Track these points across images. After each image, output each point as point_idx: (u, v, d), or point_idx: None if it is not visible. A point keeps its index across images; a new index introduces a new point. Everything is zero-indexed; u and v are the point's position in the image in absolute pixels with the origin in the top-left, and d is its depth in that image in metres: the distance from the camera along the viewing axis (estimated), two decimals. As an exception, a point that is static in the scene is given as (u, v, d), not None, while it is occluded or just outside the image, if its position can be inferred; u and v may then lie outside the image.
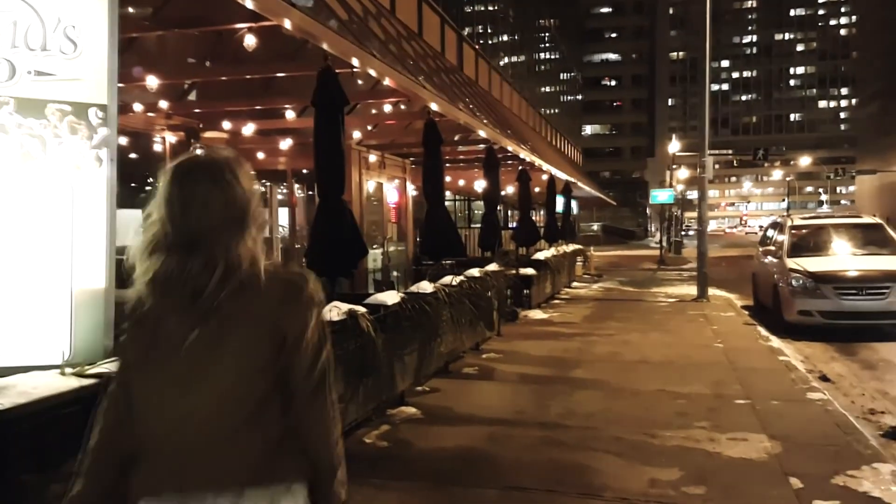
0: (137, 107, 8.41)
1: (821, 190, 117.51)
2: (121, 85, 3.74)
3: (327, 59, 5.63)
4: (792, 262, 11.43)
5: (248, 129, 9.92)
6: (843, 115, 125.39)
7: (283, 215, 12.86)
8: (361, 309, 5.25)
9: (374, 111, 10.71)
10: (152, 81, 7.44)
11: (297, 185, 12.40)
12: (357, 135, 11.07)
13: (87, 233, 3.38)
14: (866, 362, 9.05)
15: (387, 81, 7.19)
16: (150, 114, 8.90)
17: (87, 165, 3.38)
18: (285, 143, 10.72)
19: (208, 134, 10.68)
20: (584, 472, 4.73)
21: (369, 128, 11.52)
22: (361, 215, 11.38)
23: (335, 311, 4.97)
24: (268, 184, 12.68)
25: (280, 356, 1.63)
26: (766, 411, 6.16)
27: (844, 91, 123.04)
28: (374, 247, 12.40)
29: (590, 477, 4.55)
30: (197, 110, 9.73)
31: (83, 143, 3.37)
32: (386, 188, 13.42)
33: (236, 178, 1.79)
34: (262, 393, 1.61)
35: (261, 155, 11.48)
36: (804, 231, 12.74)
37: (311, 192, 12.09)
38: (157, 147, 10.45)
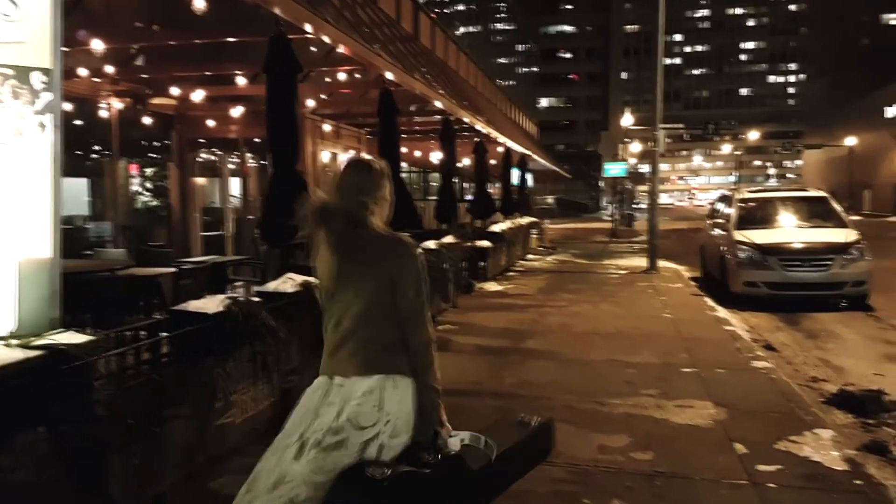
0: (83, 72, 8.13)
1: (769, 164, 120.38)
2: (65, 49, 3.60)
3: (279, 25, 5.50)
4: (739, 235, 11.70)
5: (198, 95, 9.68)
6: (791, 90, 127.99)
7: (235, 185, 12.62)
8: (316, 280, 5.20)
9: (328, 79, 10.53)
10: (98, 45, 7.19)
11: (249, 155, 12.17)
12: (311, 103, 10.90)
13: (30, 202, 3.27)
14: (809, 332, 9.36)
15: (341, 49, 7.07)
16: (95, 79, 8.62)
17: (30, 132, 3.25)
18: (236, 111, 10.50)
19: (156, 100, 10.40)
20: (536, 440, 4.80)
21: (323, 96, 11.34)
22: (316, 186, 11.23)
23: (289, 282, 4.92)
24: (218, 152, 12.43)
25: (393, 290, 2.44)
26: (712, 379, 6.35)
27: (793, 66, 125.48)
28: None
29: (543, 445, 4.63)
30: (144, 76, 9.45)
31: (25, 109, 3.24)
32: (341, 159, 13.28)
33: (369, 173, 2.63)
34: (384, 312, 2.44)
35: (211, 123, 11.24)
36: (751, 204, 13.03)
37: (263, 162, 11.89)
38: (104, 113, 10.15)
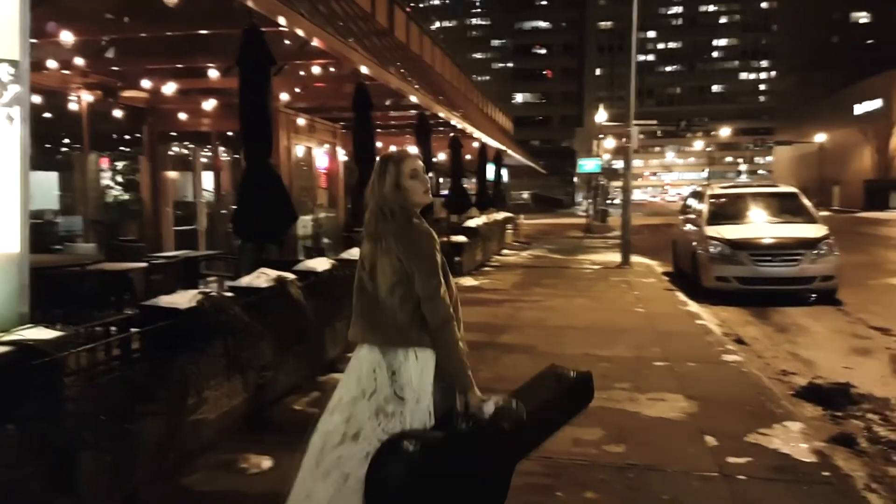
0: (52, 64, 7.99)
1: (740, 160, 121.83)
2: (34, 40, 3.54)
3: (253, 18, 5.46)
4: (710, 230, 11.83)
5: (170, 88, 9.56)
6: (762, 87, 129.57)
7: (208, 179, 12.50)
8: (291, 276, 5.18)
9: (302, 73, 10.46)
10: (67, 37, 7.08)
11: (222, 148, 12.05)
12: (285, 97, 10.81)
13: (-3, 195, 3.22)
14: (779, 326, 9.51)
15: (315, 42, 7.03)
16: (65, 71, 8.48)
17: (-4, 124, 3.20)
18: (209, 104, 10.38)
19: (127, 93, 10.26)
20: (511, 434, 4.83)
21: (297, 90, 11.25)
22: (290, 180, 11.17)
23: (263, 277, 4.89)
24: (191, 146, 12.30)
25: (409, 274, 2.70)
26: (684, 373, 6.42)
27: (765, 63, 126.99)
28: (305, 214, 12.23)
29: (517, 439, 4.66)
30: (115, 68, 9.31)
31: (-8, 101, 3.18)
32: (316, 153, 13.20)
33: (388, 169, 2.84)
34: (401, 291, 2.72)
35: (183, 116, 11.10)
36: (723, 200, 13.19)
37: (237, 156, 11.78)
38: (73, 106, 9.99)
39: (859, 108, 60.59)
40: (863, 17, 78.95)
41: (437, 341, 2.71)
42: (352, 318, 2.91)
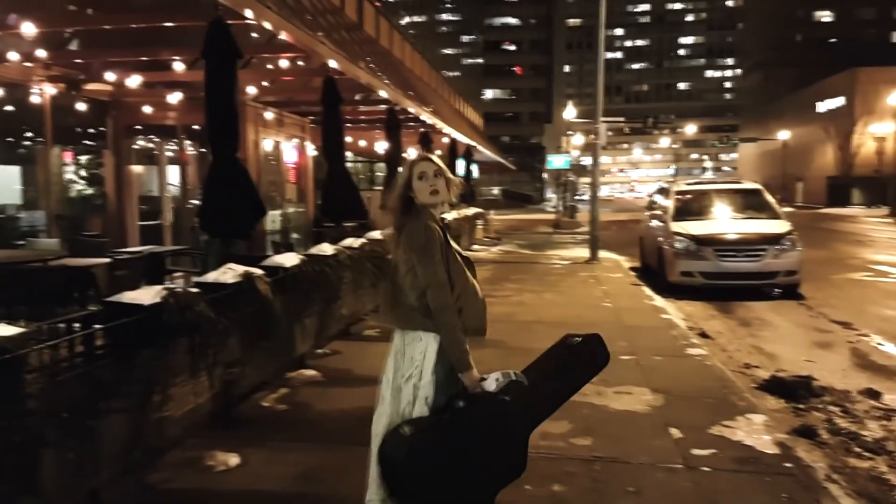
0: (13, 56, 7.82)
1: (706, 157, 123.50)
2: (-9, 30, 3.46)
3: (218, 10, 5.39)
4: (676, 226, 11.99)
5: (134, 81, 9.42)
6: (728, 84, 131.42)
7: (174, 173, 12.33)
8: (258, 271, 5.13)
9: (270, 66, 10.38)
10: (29, 29, 6.93)
11: (188, 142, 11.90)
12: (252, 90, 10.70)
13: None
14: (743, 320, 9.67)
15: (283, 36, 6.98)
16: (27, 64, 8.30)
17: (-47, 116, 3.12)
18: (174, 97, 10.24)
19: (91, 86, 10.08)
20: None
21: (265, 83, 11.16)
22: (258, 175, 11.07)
23: (230, 273, 4.84)
24: (156, 140, 12.12)
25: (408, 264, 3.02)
26: (650, 366, 6.51)
27: (730, 61, 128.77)
28: (274, 209, 12.12)
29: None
30: (78, 61, 9.15)
31: (-52, 92, 3.11)
32: (284, 147, 13.10)
33: (404, 170, 3.18)
34: (410, 279, 3.02)
35: (148, 109, 10.94)
36: (688, 196, 13.37)
37: (203, 150, 11.64)
38: (36, 99, 9.79)
39: (822, 106, 61.75)
40: (825, 16, 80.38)
41: (437, 325, 2.98)
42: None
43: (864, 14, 78.24)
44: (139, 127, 11.70)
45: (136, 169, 11.86)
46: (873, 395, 6.09)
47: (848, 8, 78.38)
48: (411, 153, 18.78)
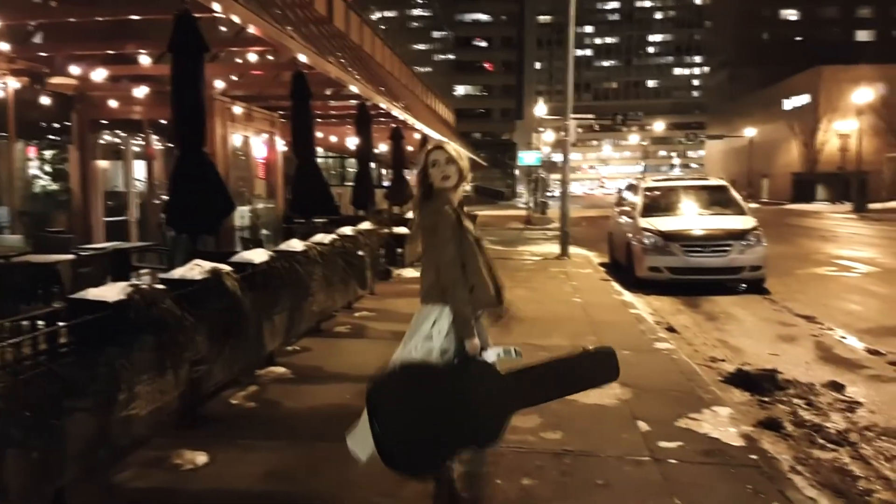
0: (-27, 48, 7.64)
1: (673, 154, 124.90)
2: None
3: (185, 3, 5.32)
4: (644, 222, 12.12)
5: (100, 75, 9.26)
6: (695, 82, 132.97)
7: (140, 169, 12.15)
8: (226, 268, 5.08)
9: (238, 60, 10.27)
10: (-11, 20, 6.77)
11: (154, 137, 11.73)
12: (220, 85, 10.58)
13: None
14: (709, 314, 9.81)
15: (251, 29, 6.91)
16: (-13, 56, 8.11)
17: None
18: (141, 91, 10.09)
19: (55, 80, 9.88)
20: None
21: (234, 78, 11.03)
22: (227, 170, 10.95)
23: (197, 269, 4.78)
24: (122, 134, 11.93)
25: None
26: (619, 361, 6.56)
27: (698, 59, 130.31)
28: (243, 204, 12.01)
29: (456, 428, 4.69)
30: (43, 54, 8.97)
31: None
32: (253, 142, 12.97)
33: (420, 158, 3.42)
34: (426, 258, 3.35)
35: (114, 103, 10.76)
36: (656, 192, 13.51)
37: (170, 145, 11.48)
38: (-3, 92, 9.57)
39: (788, 104, 62.78)
40: (792, 15, 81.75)
41: (447, 299, 3.25)
42: None
43: (828, 13, 79.76)
44: (105, 121, 11.51)
45: (102, 164, 11.66)
46: (836, 387, 6.21)
47: (813, 7, 79.80)
48: (382, 148, 18.74)
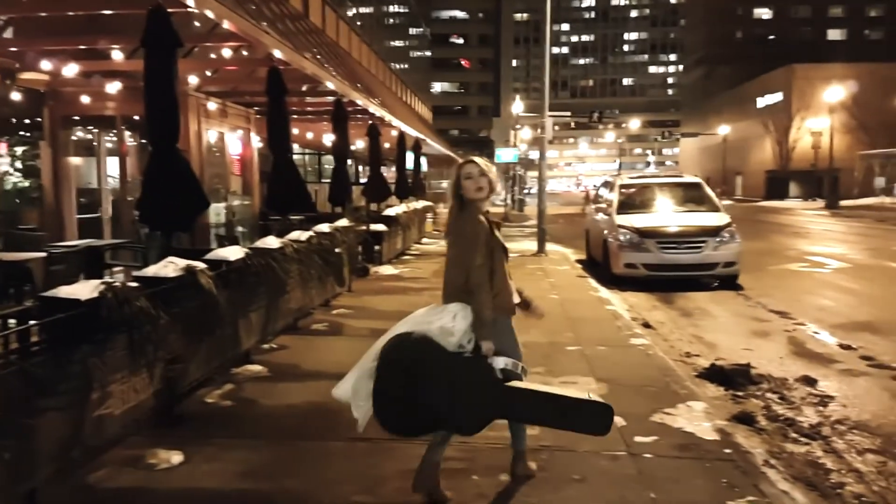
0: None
1: (649, 151, 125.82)
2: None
3: (159, -2, 5.26)
4: (620, 219, 12.20)
5: (71, 70, 9.10)
6: (670, 80, 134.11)
7: (113, 165, 11.99)
8: (201, 265, 5.03)
9: (213, 56, 10.15)
10: (-44, 13, 6.63)
11: (128, 133, 11.58)
12: (194, 80, 10.47)
13: None
14: (684, 310, 9.90)
15: (226, 25, 6.84)
16: (-44, 51, 7.94)
17: None
18: (113, 87, 9.94)
19: (26, 75, 9.70)
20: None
21: (208, 73, 10.92)
22: (201, 167, 10.84)
23: (171, 267, 4.73)
24: (95, 131, 11.76)
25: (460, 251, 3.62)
26: (595, 356, 6.62)
27: (673, 57, 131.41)
28: (218, 201, 11.90)
29: (433, 425, 4.69)
30: (13, 49, 8.80)
31: None
32: (228, 139, 12.85)
33: (455, 171, 3.76)
34: (460, 265, 3.59)
35: (86, 99, 10.60)
36: (632, 190, 13.61)
37: (143, 141, 11.34)
38: (-35, 88, 9.39)
39: (761, 101, 63.56)
40: (765, 14, 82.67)
41: (472, 301, 3.53)
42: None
43: (800, 12, 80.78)
44: (77, 117, 11.34)
45: (74, 161, 11.50)
46: (809, 382, 6.30)
47: (785, 6, 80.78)
48: (359, 145, 18.66)
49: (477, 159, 3.77)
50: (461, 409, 3.53)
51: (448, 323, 3.51)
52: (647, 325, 8.63)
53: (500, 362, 3.52)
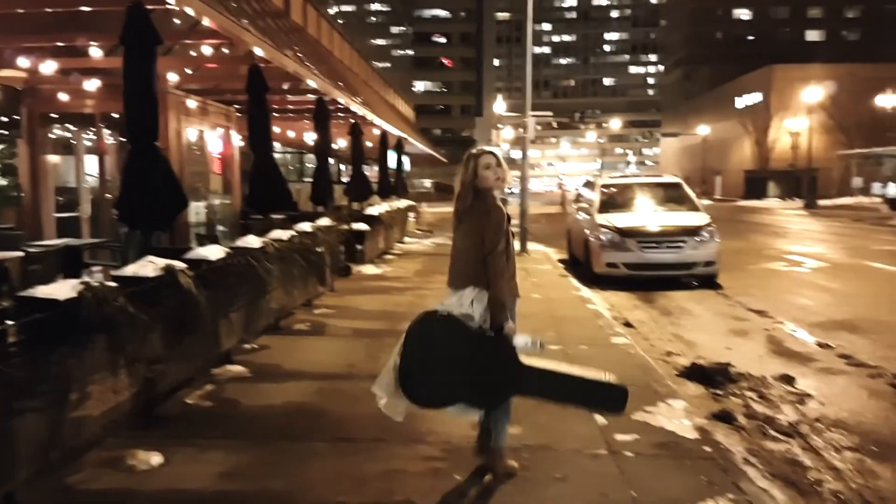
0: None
1: (629, 151, 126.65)
2: None
3: (138, -5, 5.21)
4: (601, 218, 12.26)
5: (50, 67, 9.00)
6: (651, 80, 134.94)
7: (92, 163, 11.86)
8: (180, 264, 4.99)
9: (193, 53, 10.07)
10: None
11: (107, 131, 11.45)
12: (174, 78, 10.37)
13: None
14: (664, 309, 9.97)
15: (206, 22, 6.79)
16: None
17: None
18: (92, 85, 9.84)
19: (3, 73, 9.59)
20: (410, 419, 4.84)
21: (188, 71, 10.83)
22: (181, 165, 10.75)
23: (150, 266, 4.69)
24: (73, 128, 11.63)
25: (481, 237, 3.75)
26: (576, 355, 6.64)
27: (653, 58, 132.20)
28: (198, 200, 11.81)
29: (416, 424, 4.69)
30: (-11, 45, 8.67)
31: None
32: (209, 137, 12.74)
33: (470, 162, 3.91)
34: (476, 251, 3.76)
35: (65, 97, 10.48)
36: (613, 189, 13.69)
37: (123, 139, 11.22)
38: (-60, 85, 9.25)
39: (740, 102, 64.13)
40: (744, 14, 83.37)
41: (491, 283, 3.72)
42: (449, 272, 4.00)
43: (779, 13, 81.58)
44: (55, 115, 11.21)
45: (53, 159, 11.36)
46: (788, 380, 6.36)
47: (764, 7, 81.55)
48: (341, 144, 18.63)
49: (494, 150, 3.97)
50: (483, 384, 3.73)
51: (466, 304, 3.72)
52: (628, 325, 8.68)
53: (521, 341, 3.77)
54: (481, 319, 3.73)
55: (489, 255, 3.72)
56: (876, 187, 40.92)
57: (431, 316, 3.75)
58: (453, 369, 3.72)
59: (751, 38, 79.65)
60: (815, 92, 43.82)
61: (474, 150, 3.99)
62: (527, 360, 3.76)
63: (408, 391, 3.72)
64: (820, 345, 7.74)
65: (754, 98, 61.21)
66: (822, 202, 40.40)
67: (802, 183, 45.18)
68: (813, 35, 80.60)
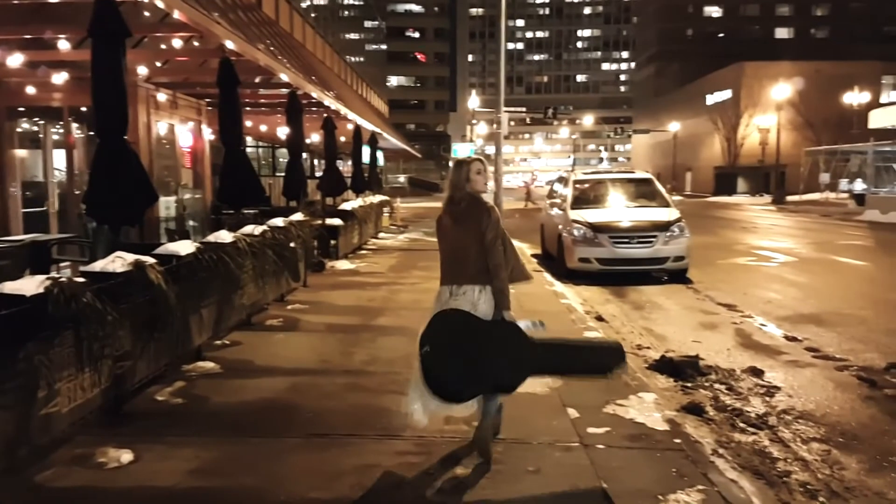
0: None
1: (602, 147, 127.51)
2: None
3: (107, -14, 5.12)
4: (574, 214, 12.34)
5: (16, 60, 8.82)
6: (623, 77, 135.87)
7: (60, 157, 11.67)
8: (150, 260, 4.93)
9: (163, 46, 9.94)
10: None
11: (75, 125, 11.27)
12: (143, 71, 10.23)
13: None
14: (635, 303, 10.07)
15: (176, 15, 6.70)
16: None
17: None
18: (60, 78, 9.66)
19: (-34, 64, 9.37)
20: (384, 414, 4.87)
21: (158, 64, 10.68)
22: (151, 159, 10.62)
23: (119, 262, 4.62)
24: (40, 122, 11.42)
25: (481, 234, 4.10)
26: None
27: (625, 54, 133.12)
28: (168, 194, 11.67)
29: (390, 419, 4.70)
30: (-48, 37, 8.48)
31: None
32: (179, 131, 12.59)
33: (462, 168, 4.31)
34: (477, 247, 4.11)
35: (32, 90, 10.29)
36: (585, 185, 13.78)
37: (91, 133, 11.05)
38: None
39: (710, 99, 64.81)
40: (715, 12, 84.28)
41: (493, 274, 4.10)
42: (444, 270, 4.34)
43: (749, 10, 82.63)
44: (22, 109, 11.01)
45: (20, 153, 11.17)
46: (756, 373, 6.46)
47: (735, 4, 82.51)
48: (314, 139, 18.50)
49: (482, 158, 4.47)
50: (503, 368, 4.06)
51: (472, 298, 4.11)
52: (600, 319, 8.75)
53: (523, 324, 4.14)
54: (489, 311, 4.10)
55: (490, 251, 4.09)
56: (843, 183, 41.61)
57: (446, 314, 4.05)
58: (474, 360, 3.99)
59: (721, 35, 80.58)
60: (783, 89, 44.47)
61: (464, 158, 4.42)
62: (536, 339, 4.13)
63: (438, 391, 3.99)
64: (787, 338, 7.87)
65: (724, 95, 61.90)
66: (790, 198, 41.01)
67: (771, 179, 45.87)
68: (782, 32, 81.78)
